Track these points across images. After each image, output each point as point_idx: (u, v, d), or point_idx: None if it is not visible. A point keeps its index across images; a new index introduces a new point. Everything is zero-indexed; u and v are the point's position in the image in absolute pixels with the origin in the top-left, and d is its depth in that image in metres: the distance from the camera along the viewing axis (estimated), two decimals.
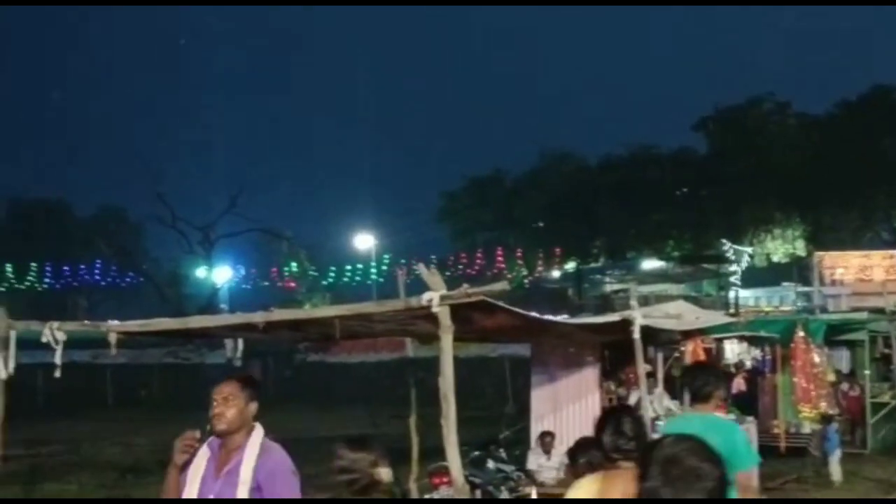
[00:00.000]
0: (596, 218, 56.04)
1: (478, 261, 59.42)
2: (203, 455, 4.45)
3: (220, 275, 56.34)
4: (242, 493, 4.33)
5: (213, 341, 34.20)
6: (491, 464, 11.69)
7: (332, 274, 59.95)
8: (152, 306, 49.85)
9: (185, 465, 4.44)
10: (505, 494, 11.04)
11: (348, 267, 60.41)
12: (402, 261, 52.15)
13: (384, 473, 4.25)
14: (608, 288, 44.84)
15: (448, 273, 47.37)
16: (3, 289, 60.44)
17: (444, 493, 10.59)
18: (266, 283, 60.20)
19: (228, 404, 4.50)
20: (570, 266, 58.65)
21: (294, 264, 56.86)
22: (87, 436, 24.84)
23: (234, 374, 4.78)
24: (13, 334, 6.95)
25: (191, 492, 4.37)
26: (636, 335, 11.10)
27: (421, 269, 6.42)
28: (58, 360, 6.66)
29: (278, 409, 32.28)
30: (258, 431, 4.58)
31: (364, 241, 56.28)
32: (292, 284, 56.87)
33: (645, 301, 12.26)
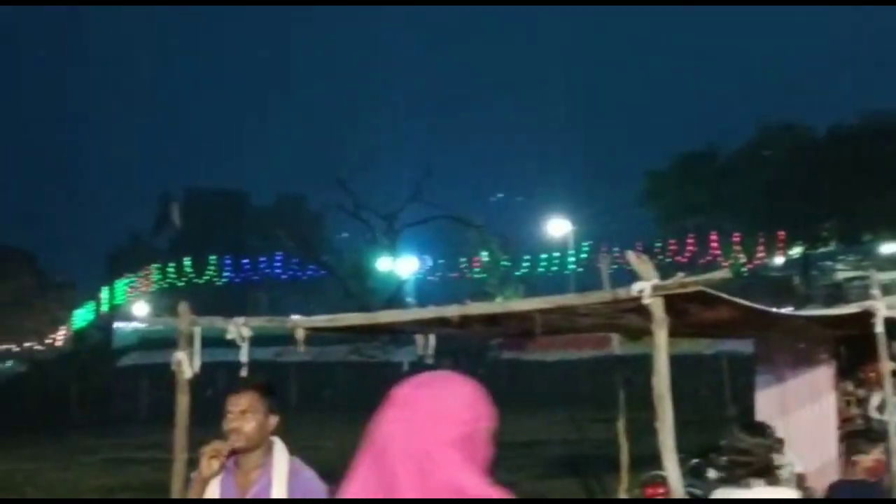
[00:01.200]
0: (825, 197, 53.85)
1: (689, 247, 58.29)
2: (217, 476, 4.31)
3: (406, 266, 57.23)
4: None
5: (400, 338, 35.03)
6: (712, 473, 11.40)
7: (525, 264, 60.09)
8: (335, 300, 51.41)
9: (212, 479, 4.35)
10: None
11: (543, 256, 60.41)
12: (604, 248, 51.82)
13: (781, 458, 4.53)
14: (840, 275, 43.20)
15: (655, 261, 46.48)
16: (181, 284, 63.51)
17: None
18: (454, 275, 60.94)
19: (246, 417, 4.30)
20: (796, 252, 56.72)
21: (485, 254, 57.28)
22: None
23: (251, 380, 4.60)
24: (198, 331, 7.21)
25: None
26: (879, 329, 10.59)
27: (629, 256, 6.31)
28: (244, 357, 6.90)
29: None
30: (280, 448, 4.42)
31: (559, 227, 56.08)
32: (483, 276, 57.31)
33: (886, 290, 11.64)
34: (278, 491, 4.18)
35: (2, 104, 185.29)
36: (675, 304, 6.31)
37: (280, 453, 4.37)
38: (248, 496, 4.20)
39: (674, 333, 6.25)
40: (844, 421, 13.04)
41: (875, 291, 10.96)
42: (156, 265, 66.97)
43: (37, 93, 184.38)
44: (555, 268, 59.42)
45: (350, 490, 2.24)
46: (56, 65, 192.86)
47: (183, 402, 7.13)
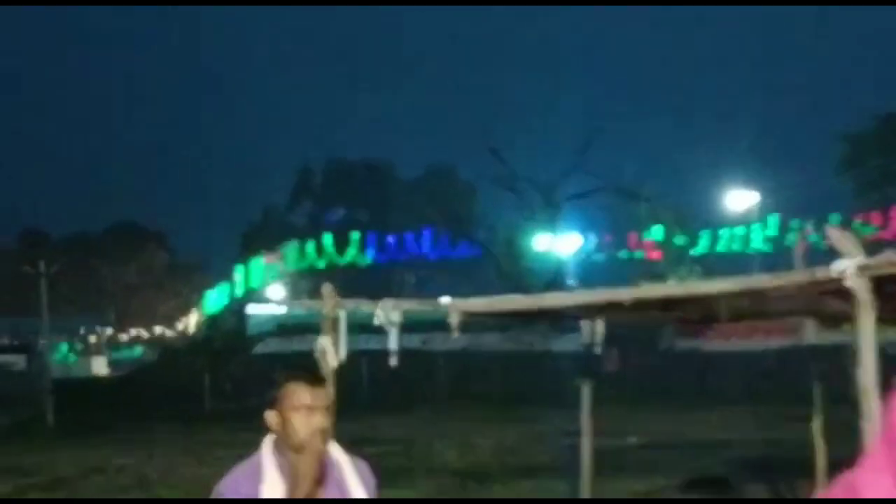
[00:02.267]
0: None
1: (894, 221, 56.41)
2: (274, 482, 3.92)
3: (567, 244, 56.80)
4: None
5: (562, 324, 34.93)
6: None
7: (703, 241, 59.03)
8: (489, 282, 51.59)
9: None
10: None
11: (723, 232, 59.20)
12: (795, 223, 50.58)
13: None
14: None
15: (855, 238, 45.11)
16: (321, 264, 64.38)
17: None
18: (621, 254, 60.30)
19: (328, 414, 3.98)
20: None
21: (656, 230, 56.52)
22: (419, 434, 26.06)
23: (310, 370, 4.26)
24: (343, 315, 7.29)
25: None
26: None
27: (829, 231, 6.14)
28: (393, 344, 6.97)
29: (642, 406, 32.54)
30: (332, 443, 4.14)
31: (742, 200, 54.85)
32: (654, 254, 56.56)
33: None
34: (357, 490, 3.98)
35: (133, 81, 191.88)
36: (884, 286, 6.11)
37: (334, 448, 4.07)
38: (329, 494, 3.95)
39: (882, 319, 6.06)
40: None
41: None
42: (293, 244, 67.63)
43: (166, 68, 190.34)
44: (736, 246, 58.19)
45: (864, 479, 2.20)
46: (189, 38, 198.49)
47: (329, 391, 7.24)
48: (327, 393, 4.00)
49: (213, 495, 3.93)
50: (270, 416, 3.91)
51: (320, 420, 3.85)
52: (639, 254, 58.58)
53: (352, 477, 3.97)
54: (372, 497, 4.02)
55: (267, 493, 3.83)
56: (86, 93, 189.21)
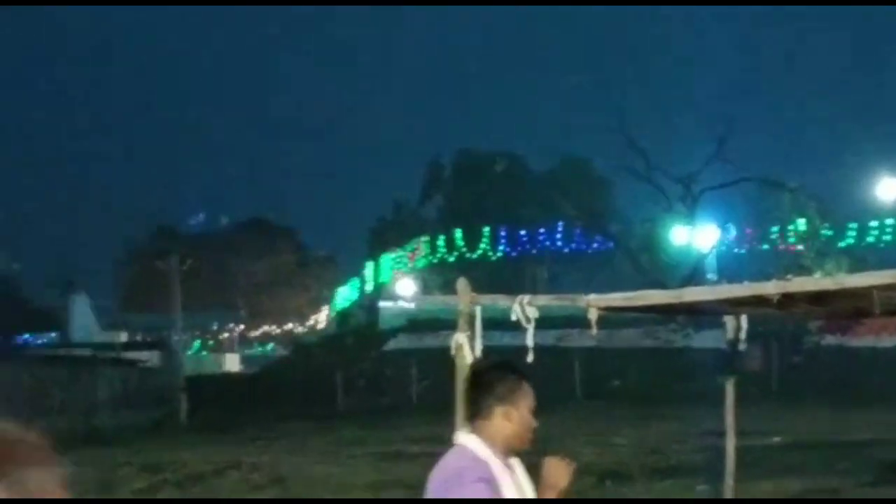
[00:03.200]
0: None
1: None
2: (504, 479, 3.99)
3: (706, 237, 55.97)
4: None
5: (702, 319, 34.50)
6: None
7: (851, 232, 57.60)
8: (623, 277, 51.22)
9: None
10: None
11: (872, 223, 57.69)
12: None
13: None
14: None
15: None
16: (452, 258, 64.57)
17: None
18: (765, 247, 59.20)
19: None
20: None
21: (801, 221, 55.34)
22: (555, 432, 26.00)
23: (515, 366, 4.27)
24: (478, 310, 7.28)
25: None
26: None
27: None
28: (530, 341, 6.94)
29: (786, 404, 31.96)
30: None
31: (891, 189, 53.41)
32: (799, 247, 55.40)
33: None
34: (527, 484, 4.12)
35: (267, 75, 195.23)
36: None
37: None
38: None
39: None
40: None
41: None
42: (424, 238, 67.89)
43: (298, 61, 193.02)
44: (888, 237, 56.70)
45: None
46: (318, 27, 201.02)
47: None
48: None
49: (462, 478, 3.88)
50: (504, 411, 4.00)
51: (533, 418, 4.12)
52: (782, 246, 57.47)
53: (523, 475, 4.13)
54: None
55: (503, 483, 3.92)
56: (217, 90, 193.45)
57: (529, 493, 4.07)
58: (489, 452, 3.94)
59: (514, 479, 4.01)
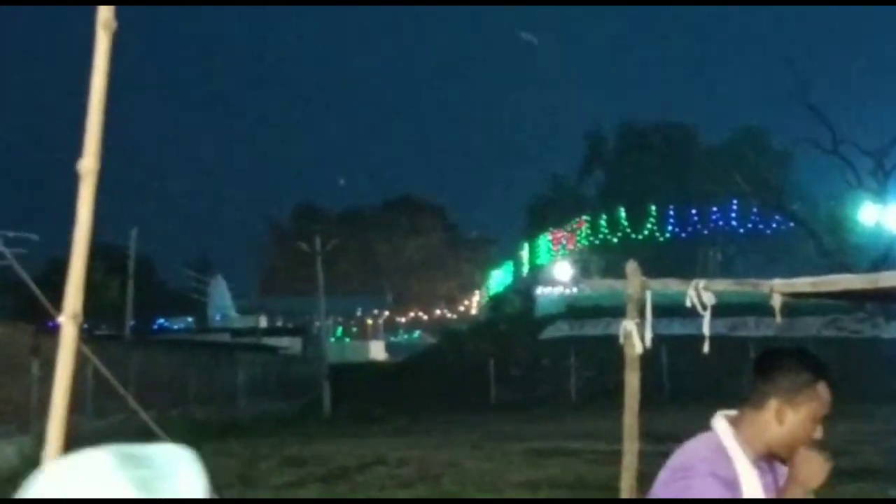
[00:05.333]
0: None
1: None
2: (748, 475, 3.59)
3: None
4: None
5: (891, 308, 33.65)
6: None
7: None
8: (806, 259, 50.27)
9: None
10: None
11: None
12: None
13: None
14: None
15: None
16: (615, 239, 64.14)
17: None
18: None
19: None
20: None
21: None
22: None
23: (830, 371, 3.77)
24: (649, 295, 7.18)
25: None
26: None
27: None
28: (706, 329, 6.80)
29: None
30: None
31: None
32: None
33: None
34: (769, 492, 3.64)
35: (414, 53, 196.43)
36: None
37: None
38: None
39: None
40: None
41: None
42: (585, 217, 67.55)
43: (441, 40, 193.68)
44: None
45: None
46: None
47: (633, 381, 7.15)
48: None
49: (682, 471, 3.57)
50: (785, 410, 3.58)
51: (820, 431, 3.64)
52: None
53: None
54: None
55: (745, 481, 3.52)
56: (364, 70, 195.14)
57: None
58: (739, 447, 3.59)
59: (764, 483, 3.64)
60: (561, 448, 24.06)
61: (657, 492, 3.62)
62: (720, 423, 3.64)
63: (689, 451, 3.63)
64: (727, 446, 3.56)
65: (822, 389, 3.58)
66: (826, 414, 3.57)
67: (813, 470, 3.54)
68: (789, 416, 3.55)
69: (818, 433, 3.59)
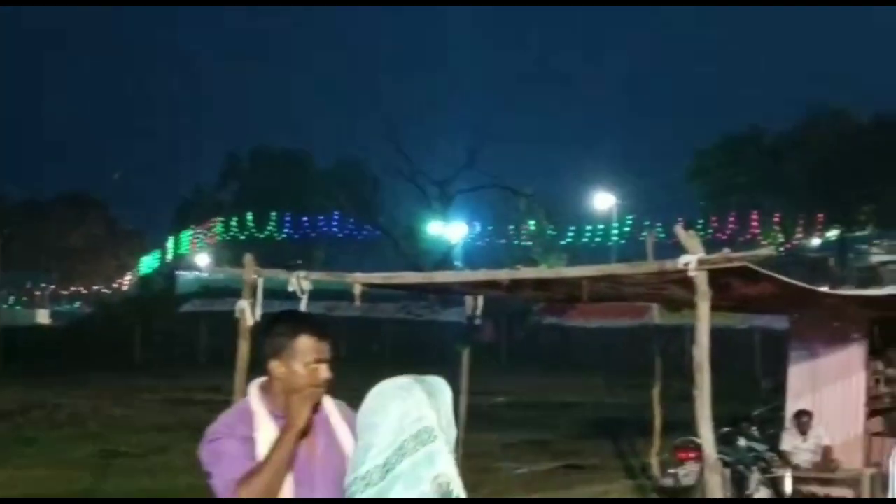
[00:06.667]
0: (864, 182, 52.97)
1: (730, 225, 57.76)
2: (267, 428, 3.38)
3: (456, 231, 57.38)
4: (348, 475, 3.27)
5: (448, 298, 35.06)
6: (742, 441, 11.36)
7: (570, 233, 59.94)
8: (388, 261, 51.53)
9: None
10: (756, 475, 10.72)
11: (588, 227, 60.20)
12: (646, 222, 51.42)
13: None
14: (875, 259, 42.56)
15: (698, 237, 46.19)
16: (243, 237, 64.07)
17: (690, 468, 10.41)
18: (502, 242, 60.92)
19: (330, 367, 3.50)
20: (833, 234, 56.03)
21: (532, 222, 57.15)
22: None
23: (317, 322, 3.57)
24: (260, 281, 7.29)
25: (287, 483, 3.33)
26: None
27: (677, 229, 6.27)
28: (303, 309, 6.92)
29: (511, 371, 32.86)
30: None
31: (604, 201, 55.59)
32: (529, 243, 57.22)
33: None
34: (341, 430, 3.47)
35: (77, 57, 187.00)
36: (719, 279, 6.26)
37: (326, 400, 3.55)
38: (318, 448, 3.42)
39: (714, 307, 6.22)
40: (872, 399, 12.93)
41: None
42: (220, 218, 67.73)
43: (112, 47, 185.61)
44: (598, 239, 59.21)
45: None
46: (140, 20, 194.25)
47: (244, 348, 7.19)
48: (331, 344, 3.48)
49: (209, 438, 3.39)
50: (276, 367, 3.41)
51: (325, 372, 3.43)
52: (516, 242, 59.25)
53: (337, 419, 3.52)
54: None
55: (260, 438, 3.33)
56: (37, 65, 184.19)
57: (328, 444, 3.44)
58: (264, 407, 3.40)
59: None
60: (189, 399, 23.76)
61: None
62: (252, 388, 3.50)
63: (220, 419, 3.47)
64: (253, 409, 3.40)
65: (303, 340, 3.40)
66: (321, 358, 3.41)
67: (295, 410, 3.32)
68: (281, 370, 3.40)
69: (322, 376, 3.42)
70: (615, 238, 56.70)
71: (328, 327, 3.54)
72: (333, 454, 3.42)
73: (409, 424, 2.30)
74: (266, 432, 3.34)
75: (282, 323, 3.51)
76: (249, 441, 3.32)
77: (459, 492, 2.31)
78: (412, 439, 2.28)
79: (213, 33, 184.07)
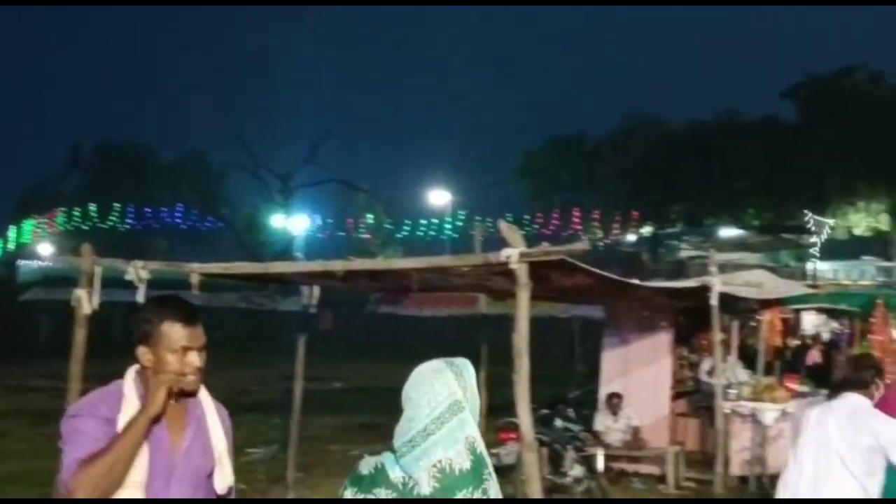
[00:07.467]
0: (676, 183, 55.23)
1: (554, 221, 59.21)
2: (134, 409, 3.23)
3: (297, 223, 56.94)
4: (215, 465, 3.37)
5: (288, 288, 34.69)
6: (559, 422, 11.68)
7: (406, 227, 60.26)
8: (230, 252, 50.61)
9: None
10: (571, 453, 11.03)
11: (423, 221, 60.68)
12: (478, 218, 52.14)
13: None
14: (683, 254, 44.24)
15: (523, 232, 46.84)
16: (86, 227, 61.91)
17: (511, 448, 10.62)
18: (342, 234, 60.74)
19: (202, 355, 3.33)
20: (646, 231, 58.05)
21: (370, 216, 57.19)
22: None
23: (186, 309, 3.33)
24: (98, 271, 7.08)
25: (141, 461, 3.18)
26: (714, 302, 10.99)
27: (501, 224, 6.38)
28: (140, 298, 6.76)
29: (349, 358, 32.80)
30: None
31: (439, 197, 56.12)
32: (367, 236, 57.20)
33: (721, 269, 12.12)
34: (215, 429, 3.38)
35: None
36: (539, 271, 6.41)
37: (201, 391, 3.41)
38: (184, 442, 3.28)
39: (535, 297, 6.36)
40: (678, 382, 13.52)
41: (713, 269, 11.39)
42: (62, 209, 65.35)
43: None
44: (433, 233, 59.80)
45: None
46: None
47: (80, 335, 6.97)
48: (202, 332, 3.30)
49: (70, 413, 3.21)
50: (143, 353, 3.26)
51: (195, 359, 3.27)
52: (355, 235, 59.16)
53: (213, 418, 3.40)
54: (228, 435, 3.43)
55: (122, 420, 3.16)
56: None
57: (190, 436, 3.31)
58: (136, 391, 3.25)
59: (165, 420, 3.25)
60: (30, 385, 22.86)
61: None
62: (128, 372, 3.33)
63: (87, 396, 3.33)
64: (124, 392, 3.25)
65: (167, 327, 3.23)
66: (189, 346, 3.25)
67: (150, 395, 3.20)
68: (148, 357, 3.25)
69: (192, 363, 3.27)
70: (449, 232, 57.29)
71: (197, 314, 3.33)
72: (199, 452, 3.30)
73: (444, 399, 2.69)
74: (129, 416, 3.18)
75: (147, 308, 3.37)
76: (109, 423, 3.16)
77: (482, 448, 2.69)
78: (447, 410, 2.69)
79: (54, 25, 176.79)
